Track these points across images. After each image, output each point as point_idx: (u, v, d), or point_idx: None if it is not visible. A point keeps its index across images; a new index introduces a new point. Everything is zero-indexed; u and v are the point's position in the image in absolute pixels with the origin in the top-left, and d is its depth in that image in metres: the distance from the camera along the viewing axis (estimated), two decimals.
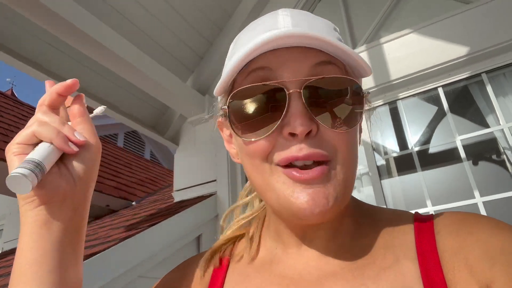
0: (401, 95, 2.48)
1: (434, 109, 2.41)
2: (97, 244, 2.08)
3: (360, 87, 0.50)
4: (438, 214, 0.53)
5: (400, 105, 2.51)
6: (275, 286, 0.53)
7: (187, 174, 3.06)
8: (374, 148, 2.48)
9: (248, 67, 0.48)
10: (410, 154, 2.38)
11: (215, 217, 2.71)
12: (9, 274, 2.23)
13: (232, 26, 3.05)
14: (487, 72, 2.25)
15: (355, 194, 2.51)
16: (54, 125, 0.49)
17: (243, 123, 0.48)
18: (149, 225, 2.26)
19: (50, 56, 2.48)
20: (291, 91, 0.46)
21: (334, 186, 0.47)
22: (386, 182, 2.39)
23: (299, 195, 0.45)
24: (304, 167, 0.46)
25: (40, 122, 0.49)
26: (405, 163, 2.40)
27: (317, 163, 0.47)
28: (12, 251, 3.67)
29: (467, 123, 2.28)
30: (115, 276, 1.81)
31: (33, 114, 0.53)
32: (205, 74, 3.08)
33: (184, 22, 2.82)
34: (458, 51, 2.26)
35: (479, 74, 2.28)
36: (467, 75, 2.29)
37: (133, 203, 4.35)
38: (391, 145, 2.50)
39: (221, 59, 2.86)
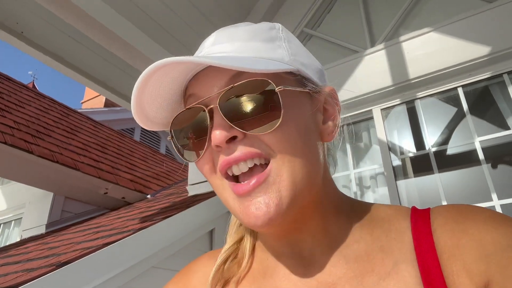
0: (420, 94, 2.45)
1: (453, 109, 2.37)
2: (113, 234, 2.13)
3: (269, 83, 0.47)
4: (435, 209, 0.51)
5: (418, 105, 2.48)
6: None
7: None
8: (390, 148, 2.46)
9: (185, 96, 0.52)
10: (427, 155, 2.35)
11: (228, 212, 2.71)
12: (27, 260, 2.30)
13: (251, 20, 3.05)
14: (509, 72, 2.20)
15: (370, 194, 2.49)
16: None
17: (184, 147, 0.52)
18: (163, 217, 2.29)
19: (74, 52, 2.54)
20: (208, 108, 0.48)
21: (278, 190, 0.46)
22: (401, 183, 2.36)
23: (242, 208, 0.46)
24: (244, 179, 0.47)
25: None
26: (421, 164, 2.37)
27: (252, 170, 0.47)
28: (31, 239, 3.77)
29: (487, 125, 2.24)
30: (130, 265, 1.85)
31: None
32: None
33: (203, 17, 2.84)
34: (479, 50, 2.21)
35: (500, 75, 2.23)
36: (488, 75, 2.25)
37: (148, 196, 4.41)
38: (408, 145, 2.47)
39: None
